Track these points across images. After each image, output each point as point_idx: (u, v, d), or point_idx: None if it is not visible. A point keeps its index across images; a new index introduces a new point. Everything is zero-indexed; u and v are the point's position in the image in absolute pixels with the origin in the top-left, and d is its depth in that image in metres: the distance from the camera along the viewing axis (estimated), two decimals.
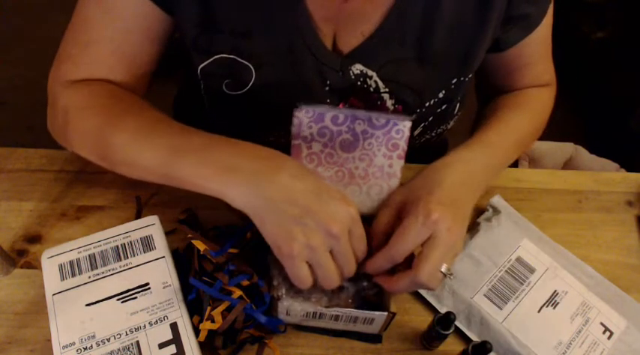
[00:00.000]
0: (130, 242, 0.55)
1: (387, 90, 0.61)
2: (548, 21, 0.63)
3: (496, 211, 0.66)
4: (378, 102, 0.63)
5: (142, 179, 0.52)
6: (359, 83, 0.61)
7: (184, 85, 0.82)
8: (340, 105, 0.63)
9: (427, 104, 0.64)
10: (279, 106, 0.60)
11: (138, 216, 0.63)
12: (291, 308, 0.51)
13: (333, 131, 0.52)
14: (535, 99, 0.69)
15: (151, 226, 0.56)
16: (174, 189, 0.50)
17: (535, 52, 0.66)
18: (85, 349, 0.48)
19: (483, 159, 0.57)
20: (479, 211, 0.68)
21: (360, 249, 0.48)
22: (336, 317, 0.52)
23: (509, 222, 0.65)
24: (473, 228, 0.65)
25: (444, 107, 0.65)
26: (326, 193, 0.45)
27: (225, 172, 0.46)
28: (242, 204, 0.46)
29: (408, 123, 0.51)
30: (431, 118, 0.66)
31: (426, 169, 0.53)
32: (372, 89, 0.61)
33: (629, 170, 1.17)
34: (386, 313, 0.50)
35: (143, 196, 0.64)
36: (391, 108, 0.63)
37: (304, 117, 0.51)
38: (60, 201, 0.64)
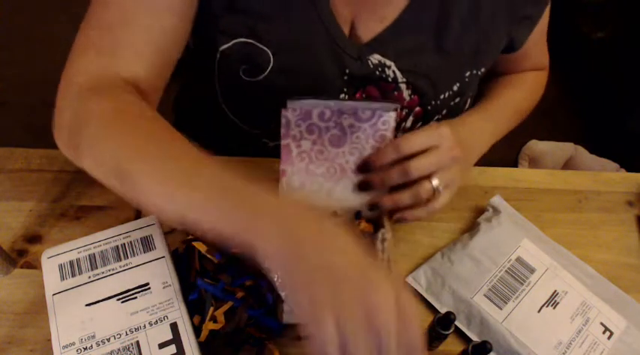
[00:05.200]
0: (130, 242, 0.55)
1: (404, 80, 0.62)
2: (545, 12, 0.67)
3: (496, 211, 0.66)
4: (395, 93, 0.64)
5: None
6: (377, 72, 0.62)
7: (185, 87, 0.82)
8: (357, 95, 0.64)
9: (442, 96, 0.65)
10: (297, 95, 0.60)
11: (138, 216, 0.63)
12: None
13: (321, 127, 0.52)
14: (531, 79, 0.77)
15: (151, 226, 0.56)
16: None
17: (535, 44, 0.71)
18: (85, 349, 0.48)
19: (484, 124, 0.65)
20: (479, 211, 0.68)
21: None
22: None
23: (509, 222, 0.65)
24: (473, 228, 0.65)
25: (457, 100, 0.67)
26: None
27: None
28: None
29: (393, 114, 0.52)
30: (444, 111, 0.68)
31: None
32: (390, 79, 0.62)
33: (629, 170, 1.17)
34: None
35: None
36: (408, 98, 0.65)
37: (292, 116, 0.51)
38: (60, 201, 0.64)
